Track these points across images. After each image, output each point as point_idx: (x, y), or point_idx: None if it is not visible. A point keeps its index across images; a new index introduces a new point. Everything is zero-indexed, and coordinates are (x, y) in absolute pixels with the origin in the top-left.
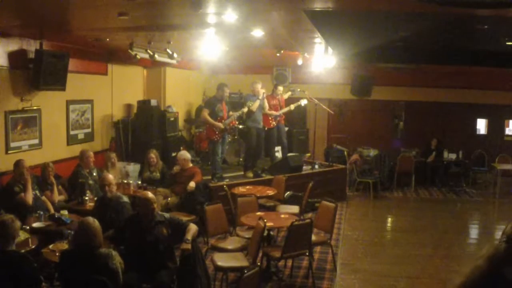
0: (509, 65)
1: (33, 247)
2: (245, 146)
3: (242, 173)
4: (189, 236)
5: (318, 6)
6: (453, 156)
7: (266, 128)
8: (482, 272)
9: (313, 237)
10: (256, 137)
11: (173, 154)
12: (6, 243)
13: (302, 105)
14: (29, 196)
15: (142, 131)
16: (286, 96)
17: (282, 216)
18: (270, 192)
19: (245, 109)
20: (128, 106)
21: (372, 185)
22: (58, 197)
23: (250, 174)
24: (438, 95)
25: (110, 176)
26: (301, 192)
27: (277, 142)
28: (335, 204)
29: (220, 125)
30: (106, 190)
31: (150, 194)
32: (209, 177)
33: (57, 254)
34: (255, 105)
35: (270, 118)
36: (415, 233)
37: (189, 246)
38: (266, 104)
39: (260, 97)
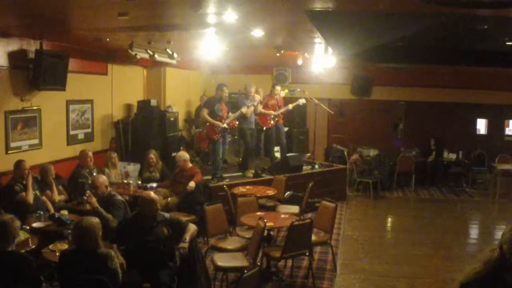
0: (509, 65)
1: (33, 247)
2: (243, 147)
3: (242, 173)
4: (187, 236)
5: (318, 6)
6: (453, 156)
7: (264, 128)
8: (478, 275)
9: (313, 237)
10: (250, 137)
11: (173, 154)
12: (6, 243)
13: (300, 104)
14: (30, 195)
15: (142, 131)
16: (283, 94)
17: (282, 216)
18: (270, 192)
19: (244, 109)
20: (128, 106)
21: (372, 185)
22: (58, 197)
23: (250, 174)
24: (438, 95)
25: (101, 179)
26: (301, 192)
27: (276, 142)
28: (335, 204)
29: (220, 124)
30: (93, 193)
31: (153, 195)
32: (209, 177)
33: (57, 254)
34: (250, 110)
35: (268, 118)
36: (415, 233)
37: (185, 245)
38: (260, 106)
39: (255, 103)
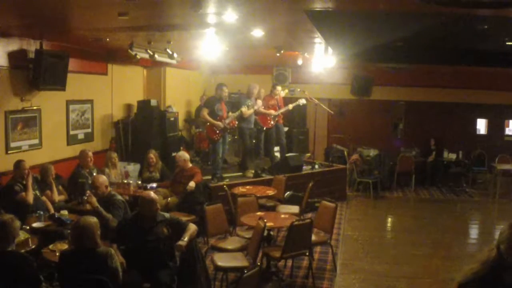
0: (509, 65)
1: (33, 247)
2: (242, 146)
3: (242, 173)
4: (186, 236)
5: (318, 6)
6: (453, 156)
7: (264, 128)
8: (476, 275)
9: (313, 237)
10: (249, 137)
11: (173, 154)
12: (6, 243)
13: (301, 104)
14: (30, 195)
15: (142, 131)
16: (283, 94)
17: (282, 216)
18: (270, 192)
19: (244, 108)
20: (128, 106)
21: (372, 185)
22: (58, 197)
23: (250, 174)
24: (438, 95)
25: (101, 179)
26: (301, 192)
27: (276, 142)
28: (335, 204)
29: (220, 124)
30: (93, 193)
31: (153, 195)
32: (209, 177)
33: (57, 254)
34: (250, 111)
35: (268, 118)
36: (415, 233)
37: (183, 244)
38: (260, 107)
39: (256, 107)
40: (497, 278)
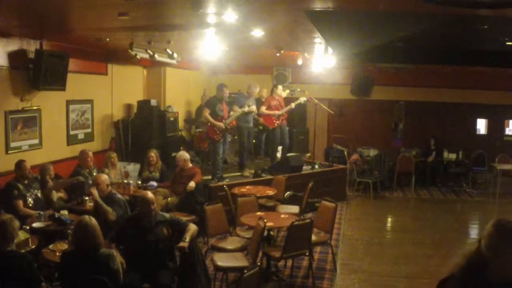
0: (509, 65)
1: (33, 247)
2: (239, 146)
3: (240, 173)
4: (187, 236)
5: (318, 6)
6: (453, 156)
7: (270, 128)
8: (458, 269)
9: (313, 237)
10: (247, 136)
11: (173, 154)
12: (6, 243)
13: (302, 102)
14: (22, 208)
15: (142, 131)
16: (284, 94)
17: (282, 216)
18: (270, 192)
19: (245, 109)
20: (128, 106)
21: (372, 185)
22: (56, 195)
23: (247, 173)
24: (438, 95)
25: (103, 177)
26: (301, 192)
27: (280, 143)
28: (335, 204)
29: (221, 125)
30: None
31: (149, 194)
32: (209, 177)
33: (57, 254)
34: (253, 107)
35: (273, 118)
36: (415, 233)
37: (185, 245)
38: (263, 107)
39: (255, 109)
40: (478, 273)
